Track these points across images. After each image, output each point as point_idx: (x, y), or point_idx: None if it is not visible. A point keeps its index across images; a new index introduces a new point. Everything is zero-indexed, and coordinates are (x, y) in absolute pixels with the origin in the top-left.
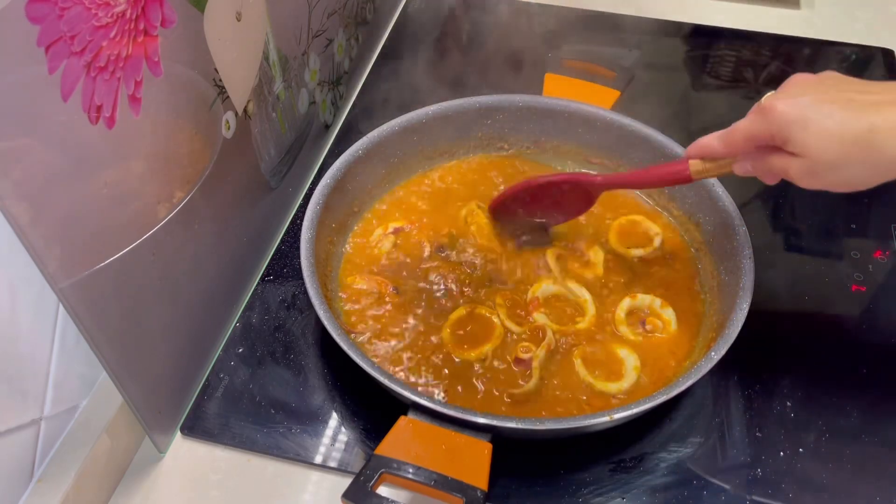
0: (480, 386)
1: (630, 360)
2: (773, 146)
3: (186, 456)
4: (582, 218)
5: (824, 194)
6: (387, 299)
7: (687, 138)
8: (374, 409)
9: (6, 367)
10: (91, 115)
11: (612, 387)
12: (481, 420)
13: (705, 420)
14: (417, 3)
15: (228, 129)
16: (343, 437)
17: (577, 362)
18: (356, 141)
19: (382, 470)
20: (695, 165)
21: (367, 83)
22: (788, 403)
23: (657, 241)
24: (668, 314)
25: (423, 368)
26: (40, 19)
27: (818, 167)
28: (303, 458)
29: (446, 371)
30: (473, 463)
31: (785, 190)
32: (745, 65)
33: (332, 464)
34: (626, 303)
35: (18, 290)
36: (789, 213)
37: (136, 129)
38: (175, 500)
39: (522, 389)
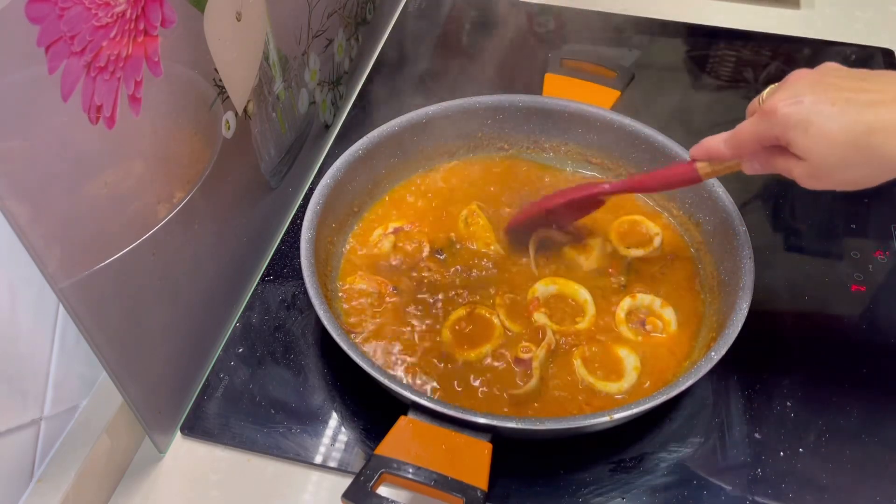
0: (480, 386)
1: (630, 360)
2: (779, 146)
3: (186, 456)
4: (594, 232)
5: (824, 194)
6: (387, 299)
7: (687, 138)
8: (374, 409)
9: (6, 367)
10: (91, 115)
11: (612, 387)
12: (481, 420)
13: (705, 420)
14: (417, 3)
15: (228, 129)
16: (343, 437)
17: (577, 362)
18: (356, 141)
19: (382, 470)
20: (703, 168)
21: (367, 83)
22: (788, 403)
23: (657, 241)
24: (668, 314)
25: (423, 368)
26: (40, 19)
27: (821, 170)
28: (303, 458)
29: (446, 371)
30: (473, 463)
31: (785, 190)
32: (745, 65)
33: (332, 464)
34: (626, 303)
35: (18, 290)
36: (789, 213)
37: (136, 129)
38: (175, 500)
39: (522, 389)
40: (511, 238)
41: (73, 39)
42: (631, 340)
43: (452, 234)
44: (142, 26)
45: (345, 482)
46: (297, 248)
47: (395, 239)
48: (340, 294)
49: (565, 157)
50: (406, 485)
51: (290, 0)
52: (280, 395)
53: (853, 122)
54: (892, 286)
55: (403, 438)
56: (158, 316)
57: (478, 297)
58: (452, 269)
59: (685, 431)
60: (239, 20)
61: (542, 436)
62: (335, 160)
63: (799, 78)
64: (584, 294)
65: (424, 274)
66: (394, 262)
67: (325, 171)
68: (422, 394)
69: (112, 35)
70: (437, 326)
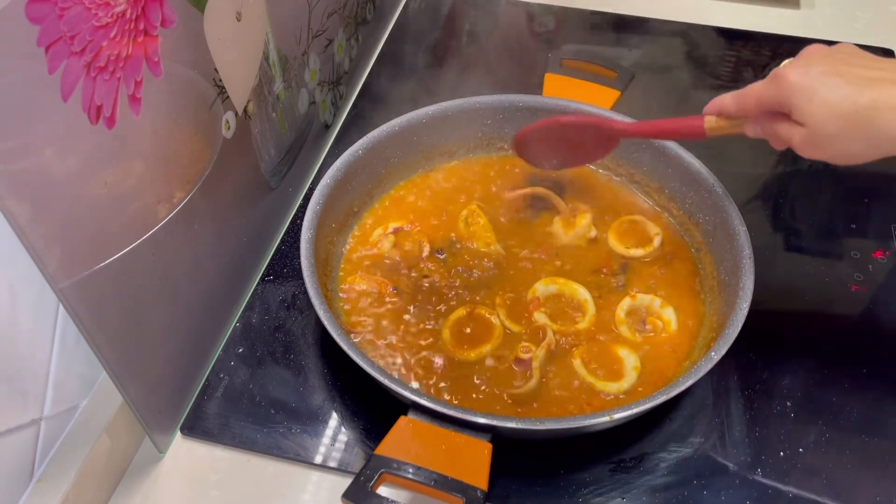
0: (480, 386)
1: (630, 360)
2: (782, 113)
3: (186, 456)
4: (587, 213)
5: (824, 194)
6: (387, 299)
7: None
8: (374, 409)
9: (6, 367)
10: (91, 115)
11: (612, 387)
12: (481, 420)
13: (705, 420)
14: (417, 3)
15: (228, 129)
16: (343, 437)
17: (577, 362)
18: (356, 141)
19: (382, 470)
20: (709, 122)
21: (367, 83)
22: (788, 403)
23: (657, 241)
24: (668, 314)
25: (423, 368)
26: (40, 19)
27: (819, 138)
28: (303, 458)
29: (446, 371)
30: (473, 463)
31: (785, 190)
32: (745, 65)
33: (332, 464)
34: (626, 303)
35: (18, 290)
36: (789, 213)
37: (136, 129)
38: (175, 500)
39: (522, 389)
40: (518, 150)
41: (73, 39)
42: (631, 340)
43: (452, 234)
44: (142, 26)
45: (345, 482)
46: (297, 248)
47: (395, 239)
48: (340, 294)
49: None
50: (406, 485)
51: (290, 0)
52: (280, 395)
53: (856, 94)
54: (892, 286)
55: (403, 438)
56: (158, 316)
57: (478, 297)
58: (452, 269)
59: (685, 431)
60: (239, 20)
61: (542, 436)
62: (335, 160)
63: (813, 51)
64: (583, 294)
65: (424, 274)
66: (394, 262)
67: (325, 171)
68: (422, 394)
69: (112, 35)
70: (437, 326)
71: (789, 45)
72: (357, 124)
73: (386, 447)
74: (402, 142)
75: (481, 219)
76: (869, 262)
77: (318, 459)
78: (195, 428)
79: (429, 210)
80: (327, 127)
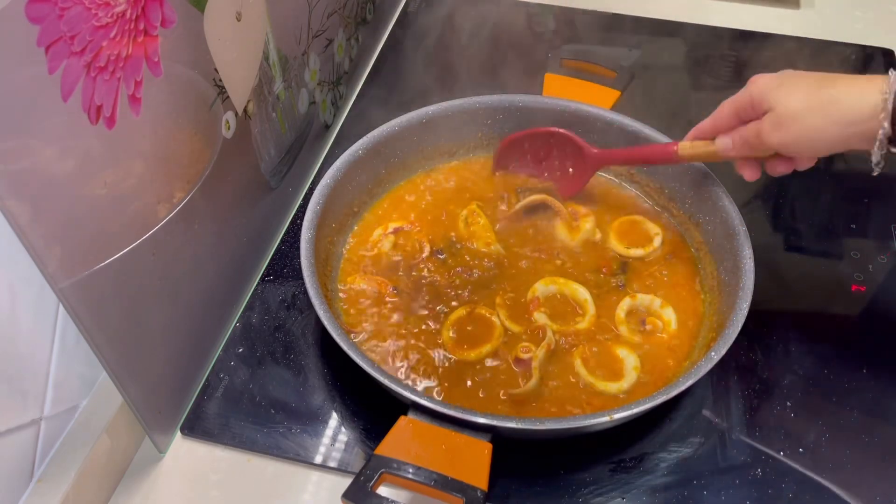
0: (480, 386)
1: (630, 360)
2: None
3: (186, 456)
4: (590, 216)
5: (824, 194)
6: (387, 299)
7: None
8: (374, 409)
9: (6, 367)
10: (91, 115)
11: (612, 387)
12: (481, 420)
13: (705, 420)
14: (417, 3)
15: (228, 129)
16: (343, 437)
17: (577, 362)
18: (356, 141)
19: (382, 470)
20: (683, 145)
21: (367, 83)
22: (788, 403)
23: (657, 241)
24: (668, 314)
25: (423, 368)
26: (40, 19)
27: (783, 118)
28: (303, 458)
29: (446, 371)
30: (473, 463)
31: (785, 190)
32: (745, 65)
33: (332, 464)
34: (626, 303)
35: (18, 290)
36: (789, 213)
37: (136, 129)
38: (175, 500)
39: (522, 389)
40: (501, 165)
41: (73, 39)
42: (631, 340)
43: (453, 234)
44: (142, 26)
45: (345, 482)
46: (297, 248)
47: (395, 239)
48: (340, 294)
49: None
50: (406, 485)
51: (290, 0)
52: (280, 395)
53: (821, 82)
54: (892, 286)
55: (403, 438)
56: (158, 316)
57: (478, 297)
58: (452, 270)
59: (685, 431)
60: (239, 20)
61: (542, 436)
62: (335, 160)
63: (785, 70)
64: (583, 294)
65: (424, 274)
66: (394, 262)
67: (325, 171)
68: (422, 394)
69: (112, 35)
70: (437, 326)
71: (789, 45)
72: (357, 124)
73: (386, 447)
74: (402, 142)
75: (481, 218)
76: (869, 262)
77: (318, 459)
78: (195, 428)
79: (429, 210)
80: (327, 127)
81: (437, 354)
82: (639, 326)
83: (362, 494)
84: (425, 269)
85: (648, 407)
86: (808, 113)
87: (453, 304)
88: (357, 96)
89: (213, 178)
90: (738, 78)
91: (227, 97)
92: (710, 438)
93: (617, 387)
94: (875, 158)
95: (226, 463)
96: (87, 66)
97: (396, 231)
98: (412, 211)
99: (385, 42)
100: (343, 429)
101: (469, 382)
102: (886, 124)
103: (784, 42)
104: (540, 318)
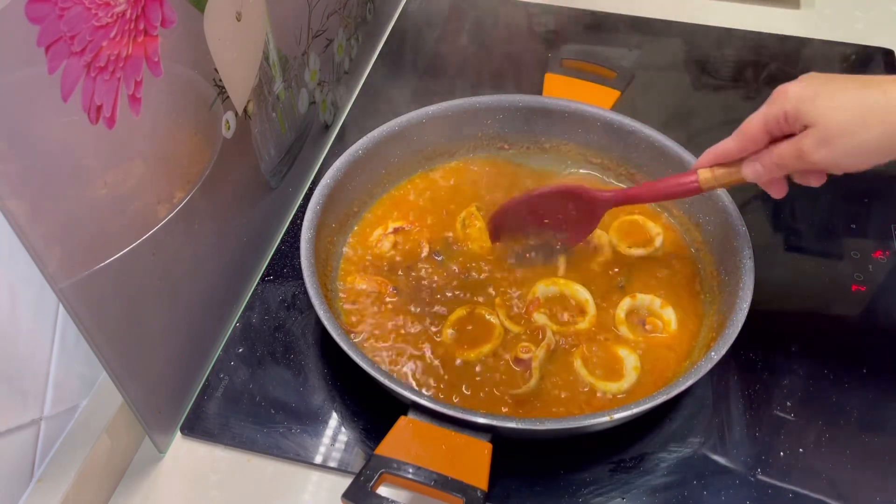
0: (480, 386)
1: (630, 360)
2: (782, 137)
3: (186, 456)
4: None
5: (824, 194)
6: (387, 299)
7: (687, 138)
8: (374, 409)
9: (6, 367)
10: (91, 115)
11: (612, 387)
12: (481, 420)
13: (705, 420)
14: (417, 3)
15: (228, 129)
16: (343, 437)
17: (577, 362)
18: (356, 141)
19: (382, 470)
20: (704, 174)
21: (367, 83)
22: (788, 403)
23: (657, 241)
24: (668, 314)
25: (423, 368)
26: (40, 19)
27: (830, 133)
28: (303, 458)
29: (446, 371)
30: (473, 463)
31: None
32: (745, 65)
33: (332, 464)
34: (626, 303)
35: (18, 290)
36: (789, 213)
37: (136, 129)
38: (175, 500)
39: (522, 389)
40: (496, 234)
41: (73, 39)
42: (631, 340)
43: (450, 235)
44: (142, 26)
45: (345, 482)
46: (297, 248)
47: (394, 239)
48: (340, 294)
49: (565, 157)
50: (406, 485)
51: (290, 0)
52: (280, 395)
53: (859, 91)
54: (892, 286)
55: (403, 438)
56: (158, 316)
57: (478, 298)
58: (452, 270)
59: (685, 431)
60: (239, 20)
61: (542, 436)
62: (335, 160)
63: (810, 73)
64: (584, 294)
65: (424, 274)
66: (394, 263)
67: (325, 171)
68: (422, 394)
69: (112, 35)
70: (438, 326)
71: (789, 45)
72: (357, 124)
73: (386, 447)
74: (402, 142)
75: (478, 221)
76: (869, 262)
77: (318, 459)
78: (195, 428)
79: (429, 210)
80: (327, 127)
81: (436, 354)
82: (639, 326)
83: (362, 494)
84: (425, 269)
85: (648, 407)
86: (861, 128)
87: (453, 304)
88: (357, 96)
89: (213, 178)
90: (739, 78)
91: (227, 97)
92: (710, 438)
93: (617, 387)
94: None
95: (226, 463)
96: (87, 66)
97: (396, 231)
98: (412, 211)
99: (385, 42)
100: (343, 429)
101: (469, 382)
102: None
103: (784, 42)
104: (540, 318)
